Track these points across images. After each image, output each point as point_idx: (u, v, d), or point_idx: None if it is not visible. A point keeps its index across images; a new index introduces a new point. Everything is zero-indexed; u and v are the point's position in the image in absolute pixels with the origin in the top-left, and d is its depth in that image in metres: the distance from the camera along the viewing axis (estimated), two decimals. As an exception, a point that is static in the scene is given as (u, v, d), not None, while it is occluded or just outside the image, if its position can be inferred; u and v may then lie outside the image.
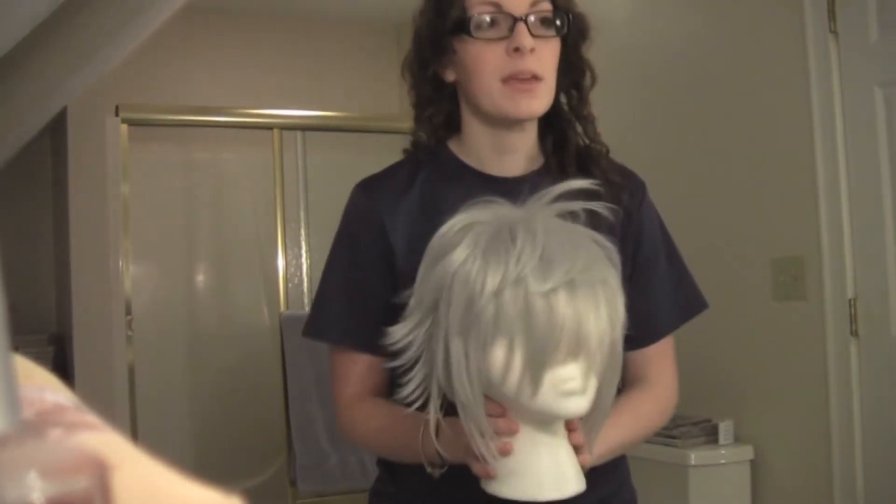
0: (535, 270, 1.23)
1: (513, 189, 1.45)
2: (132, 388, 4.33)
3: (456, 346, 1.26)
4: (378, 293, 1.58)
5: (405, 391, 1.37)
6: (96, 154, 4.45)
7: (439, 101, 1.65)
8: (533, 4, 1.52)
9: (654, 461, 3.23)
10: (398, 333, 1.36)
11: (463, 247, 1.27)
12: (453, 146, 1.68)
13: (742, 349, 3.33)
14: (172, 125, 4.75)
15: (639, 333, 1.57)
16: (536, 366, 1.25)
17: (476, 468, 1.34)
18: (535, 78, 1.52)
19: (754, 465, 3.32)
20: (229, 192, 5.28)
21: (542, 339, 1.23)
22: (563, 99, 1.65)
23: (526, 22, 1.51)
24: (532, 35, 1.51)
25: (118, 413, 4.14)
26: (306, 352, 4.16)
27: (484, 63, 1.54)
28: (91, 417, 0.47)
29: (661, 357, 1.70)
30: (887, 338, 2.93)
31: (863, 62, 2.99)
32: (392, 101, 5.33)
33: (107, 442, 0.44)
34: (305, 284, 5.18)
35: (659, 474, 3.23)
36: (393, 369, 1.46)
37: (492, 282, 1.23)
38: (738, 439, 3.35)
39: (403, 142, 1.74)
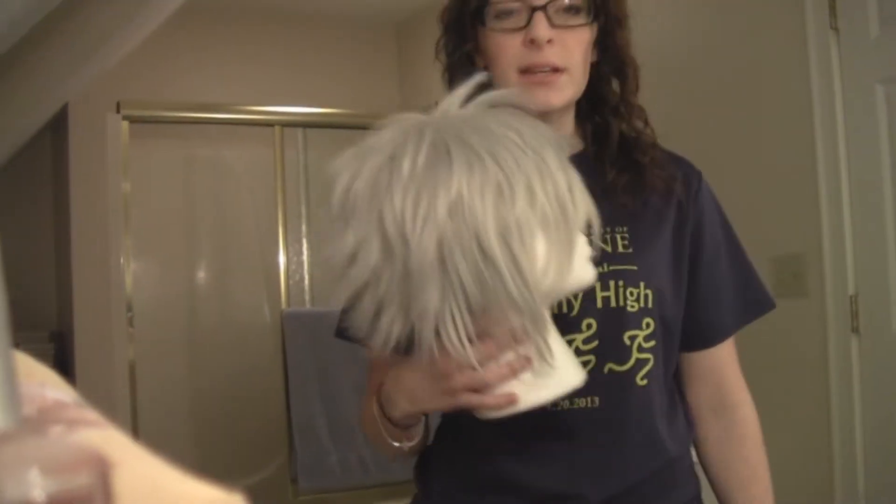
0: (553, 160, 1.21)
1: None
2: (133, 385, 4.33)
3: (499, 250, 1.16)
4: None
5: (380, 344, 1.24)
6: (97, 151, 4.46)
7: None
8: None
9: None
10: (354, 284, 1.23)
11: (459, 162, 1.18)
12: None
13: (742, 346, 3.32)
14: (174, 122, 4.75)
15: (705, 332, 1.55)
16: (569, 244, 1.22)
17: (490, 400, 1.27)
18: (556, 70, 1.46)
19: (755, 461, 3.32)
20: (230, 189, 5.28)
21: (570, 220, 1.21)
22: (614, 85, 1.59)
23: (546, 11, 1.44)
24: (553, 25, 1.44)
25: (119, 410, 4.14)
26: (307, 349, 4.16)
27: (501, 54, 1.48)
28: (92, 414, 0.47)
29: (730, 360, 1.69)
30: (888, 334, 2.93)
31: (863, 58, 2.99)
32: (393, 97, 5.34)
33: (108, 439, 0.45)
34: (306, 281, 5.18)
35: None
36: None
37: (519, 185, 1.17)
38: (738, 436, 3.35)
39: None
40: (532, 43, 1.44)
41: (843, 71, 3.04)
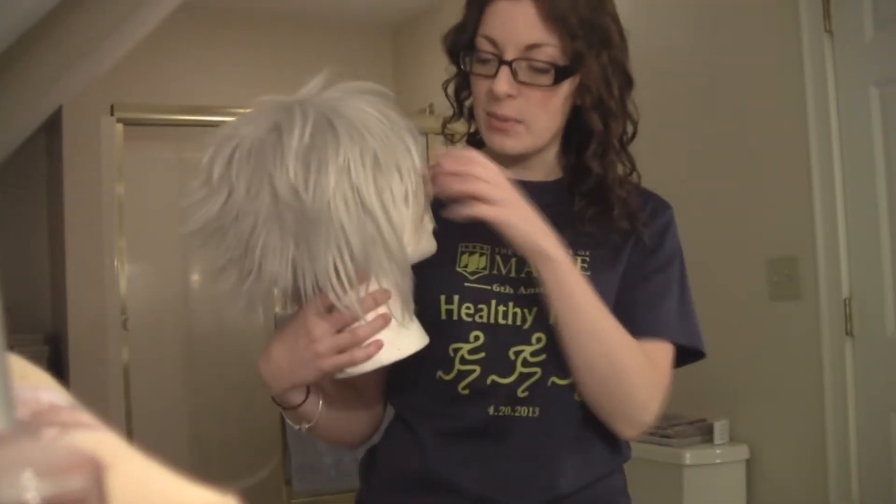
0: (403, 139, 1.36)
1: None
2: (127, 388, 4.32)
3: (377, 205, 1.29)
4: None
5: (261, 290, 1.36)
6: (91, 153, 4.45)
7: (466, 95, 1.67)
8: (529, 48, 1.48)
9: (649, 461, 3.23)
10: (243, 233, 1.33)
11: (344, 137, 1.30)
12: (486, 150, 1.62)
13: (737, 349, 3.33)
14: (167, 125, 4.74)
15: (638, 323, 1.54)
16: (423, 212, 1.38)
17: (359, 355, 1.36)
18: (516, 121, 1.51)
19: (749, 464, 3.32)
20: (224, 192, 5.27)
21: (421, 191, 1.36)
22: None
23: (512, 67, 1.48)
24: (518, 80, 1.48)
25: (113, 412, 4.14)
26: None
27: (475, 93, 1.56)
28: (86, 417, 0.47)
29: (654, 354, 1.61)
30: (882, 337, 2.93)
31: (858, 61, 2.99)
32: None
33: (102, 441, 0.44)
34: (301, 284, 5.17)
35: (654, 474, 3.24)
36: None
37: (389, 158, 1.32)
38: (733, 439, 3.36)
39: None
40: (492, 93, 1.50)
41: (837, 73, 3.04)
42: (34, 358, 0.53)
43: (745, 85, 3.34)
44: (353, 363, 1.36)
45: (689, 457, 3.22)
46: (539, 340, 1.49)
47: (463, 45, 1.56)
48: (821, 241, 3.06)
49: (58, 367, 4.46)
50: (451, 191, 1.37)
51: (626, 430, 1.56)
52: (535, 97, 1.50)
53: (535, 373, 1.51)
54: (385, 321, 1.36)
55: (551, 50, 1.48)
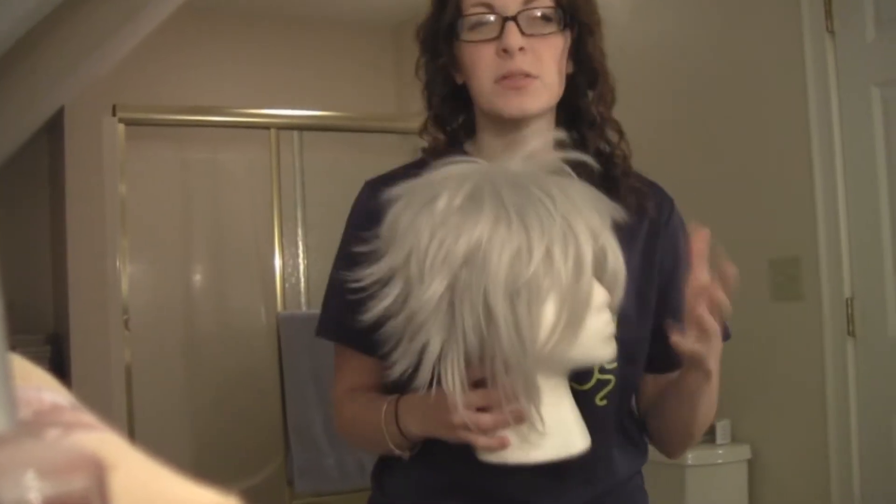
0: (579, 224, 1.24)
1: None
2: (129, 388, 4.32)
3: (503, 311, 1.21)
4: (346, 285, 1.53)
5: (395, 368, 1.31)
6: (93, 154, 4.45)
7: (453, 103, 1.64)
8: (527, 1, 1.50)
9: (652, 461, 3.21)
10: (377, 309, 1.30)
11: (487, 214, 1.22)
12: (469, 147, 1.65)
13: (739, 349, 3.31)
14: (169, 125, 4.74)
15: (671, 357, 1.56)
16: (580, 320, 1.26)
17: (482, 441, 1.32)
18: (529, 76, 1.50)
19: (751, 464, 3.32)
20: (226, 192, 5.27)
21: (585, 292, 1.25)
22: (590, 97, 1.62)
23: (517, 21, 1.48)
24: (524, 34, 1.48)
25: (115, 413, 4.14)
26: (303, 352, 4.16)
27: (476, 65, 1.52)
28: (88, 417, 0.47)
29: None
30: (884, 337, 2.93)
31: (859, 61, 2.99)
32: (389, 100, 5.33)
33: (104, 442, 0.44)
34: (302, 284, 5.17)
35: (656, 474, 3.22)
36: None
37: (538, 248, 1.21)
38: (735, 439, 3.36)
39: (400, 141, 1.74)
40: (504, 52, 1.48)
41: (839, 74, 3.04)
42: (36, 358, 0.53)
43: (746, 85, 3.34)
44: (476, 446, 1.34)
45: (691, 457, 3.22)
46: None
47: (447, 22, 1.54)
48: (823, 241, 3.06)
49: (60, 367, 4.46)
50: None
51: (678, 453, 1.71)
52: (542, 49, 1.51)
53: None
54: (508, 420, 1.30)
55: (548, 0, 1.51)
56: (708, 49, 3.51)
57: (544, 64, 1.51)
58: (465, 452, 1.49)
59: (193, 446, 5.02)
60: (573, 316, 1.25)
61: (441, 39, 1.56)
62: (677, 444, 1.68)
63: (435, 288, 1.22)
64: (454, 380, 1.26)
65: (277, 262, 4.69)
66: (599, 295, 1.29)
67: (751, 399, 3.34)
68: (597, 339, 1.30)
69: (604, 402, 1.53)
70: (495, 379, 1.27)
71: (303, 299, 5.13)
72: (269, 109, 4.78)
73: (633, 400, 1.65)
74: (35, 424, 0.44)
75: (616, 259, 1.30)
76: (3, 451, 0.36)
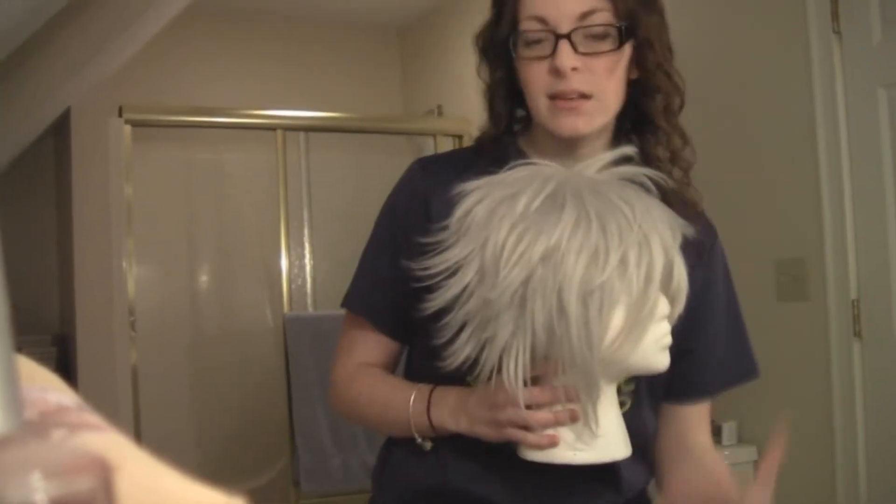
0: (653, 237, 1.28)
1: None
2: (135, 389, 4.33)
3: (575, 309, 1.24)
4: (403, 281, 1.48)
5: (455, 357, 1.32)
6: (99, 155, 4.45)
7: (512, 101, 1.59)
8: (583, 17, 1.43)
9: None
10: (445, 297, 1.33)
11: (568, 216, 1.26)
12: (523, 142, 1.61)
13: (745, 350, 3.32)
14: (175, 126, 4.75)
15: (688, 389, 1.56)
16: (644, 327, 1.29)
17: (531, 439, 1.34)
18: (584, 96, 1.45)
19: (757, 465, 3.31)
20: (232, 193, 5.28)
21: (652, 301, 1.28)
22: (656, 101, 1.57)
23: (571, 39, 1.43)
24: (579, 52, 1.43)
25: (121, 414, 4.14)
26: (310, 353, 4.16)
27: (530, 81, 1.48)
28: (94, 418, 0.47)
29: (703, 417, 1.66)
30: (890, 339, 2.92)
31: (866, 63, 2.99)
32: (394, 102, 5.34)
33: (110, 442, 0.45)
34: (309, 285, 5.18)
35: (662, 475, 3.23)
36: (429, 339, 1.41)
37: (615, 254, 1.25)
38: (741, 440, 3.35)
39: (406, 142, 1.73)
40: (556, 72, 1.44)
41: (845, 75, 3.04)
42: (42, 359, 0.53)
43: (753, 86, 3.33)
44: (525, 444, 1.35)
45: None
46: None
47: (504, 35, 1.49)
48: (829, 242, 3.06)
49: (66, 368, 4.47)
50: None
51: None
52: (599, 67, 1.45)
53: None
54: (567, 418, 1.33)
55: (605, 14, 1.45)
56: (714, 50, 3.50)
57: (599, 82, 1.46)
58: (469, 455, 1.50)
59: (199, 447, 5.02)
60: (639, 322, 1.28)
61: (499, 52, 1.52)
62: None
63: (511, 281, 1.25)
64: (517, 374, 1.28)
65: (284, 263, 4.69)
66: (663, 306, 1.33)
67: (757, 400, 3.34)
68: (656, 348, 1.33)
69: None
70: (557, 376, 1.30)
71: (309, 300, 5.13)
72: (275, 110, 4.79)
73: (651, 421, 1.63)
74: (41, 425, 0.44)
75: (681, 274, 1.34)
76: (9, 451, 0.36)
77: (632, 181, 1.37)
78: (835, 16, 3.04)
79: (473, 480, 1.51)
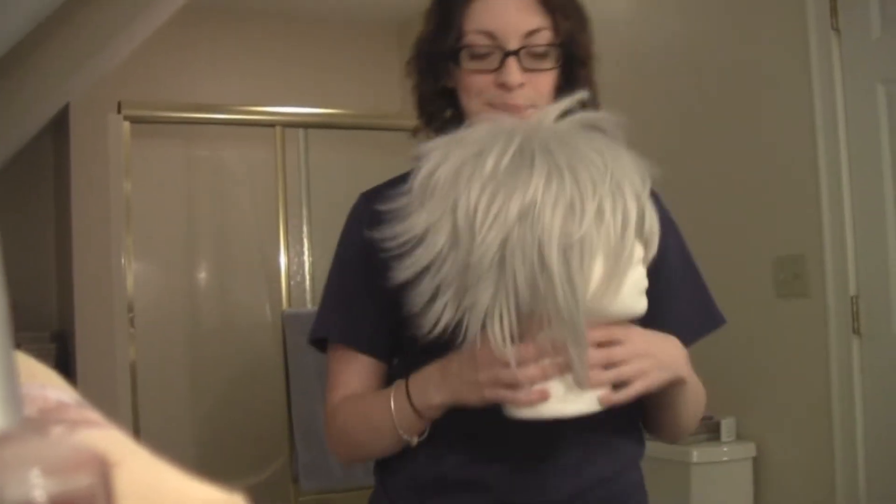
0: (623, 189, 1.28)
1: None
2: (134, 386, 4.32)
3: (558, 266, 1.24)
4: (375, 294, 1.56)
5: (437, 325, 1.31)
6: (99, 151, 4.45)
7: (442, 105, 1.65)
8: (529, 35, 1.51)
9: (656, 458, 3.22)
10: (416, 265, 1.32)
11: (540, 171, 1.26)
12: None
13: (744, 346, 3.33)
14: (175, 122, 4.75)
15: (693, 323, 1.57)
16: (623, 273, 1.30)
17: (520, 396, 1.33)
18: (528, 109, 1.51)
19: (756, 462, 3.32)
20: (231, 190, 5.28)
21: (629, 248, 1.29)
22: None
23: (518, 55, 1.50)
24: (524, 69, 1.50)
25: (120, 410, 4.14)
26: (309, 349, 4.11)
27: (473, 89, 1.54)
28: (93, 415, 0.47)
29: None
30: (889, 335, 2.93)
31: (865, 59, 2.99)
32: (394, 98, 5.33)
33: (109, 439, 0.45)
34: (308, 282, 5.18)
35: (661, 471, 3.23)
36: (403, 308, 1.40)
37: (591, 204, 1.25)
38: (740, 436, 3.36)
39: (406, 138, 1.73)
40: (504, 86, 1.50)
41: (844, 72, 3.04)
42: (41, 356, 0.53)
43: (752, 83, 3.33)
44: (514, 402, 1.35)
45: (696, 454, 3.22)
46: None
47: (448, 45, 1.55)
48: (828, 238, 3.06)
49: (65, 365, 4.47)
50: (601, 382, 1.34)
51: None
52: (541, 82, 1.53)
53: None
54: (557, 371, 1.32)
55: (548, 33, 1.52)
56: (713, 47, 3.50)
57: (541, 97, 1.53)
58: (463, 443, 1.52)
59: (198, 444, 5.02)
60: (618, 270, 1.29)
61: (442, 63, 1.58)
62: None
63: (489, 243, 1.25)
64: (504, 334, 1.28)
65: (282, 260, 4.69)
66: (638, 250, 1.34)
67: (756, 397, 3.34)
68: (634, 292, 1.34)
69: None
70: (541, 331, 1.29)
71: (308, 297, 5.13)
72: (274, 107, 4.78)
73: None
74: (40, 422, 0.44)
75: (652, 218, 1.35)
76: (8, 448, 0.36)
77: (594, 127, 1.39)
78: (834, 12, 3.04)
79: (468, 467, 1.52)
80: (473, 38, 1.52)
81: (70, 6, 3.15)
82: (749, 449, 3.31)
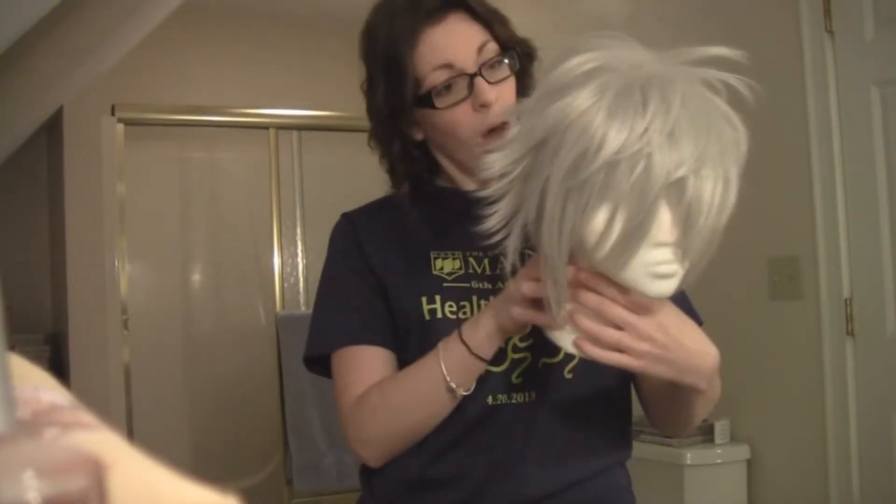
0: (661, 147, 1.17)
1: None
2: (128, 388, 4.33)
3: (554, 200, 1.20)
4: (375, 296, 1.57)
5: (488, 223, 1.28)
6: (92, 153, 4.45)
7: (412, 157, 1.63)
8: (479, 51, 1.51)
9: (650, 461, 3.23)
10: (496, 161, 1.28)
11: (588, 93, 1.18)
12: (441, 181, 1.68)
13: (738, 348, 3.33)
14: (168, 125, 4.75)
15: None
16: (633, 244, 1.21)
17: (539, 318, 1.33)
18: (506, 123, 1.47)
19: (750, 464, 3.32)
20: (225, 192, 5.28)
21: (646, 219, 1.20)
22: None
23: (482, 74, 1.50)
24: (492, 84, 1.50)
25: (114, 412, 4.14)
26: (302, 351, 4.15)
27: (458, 124, 1.52)
28: (87, 417, 0.47)
29: None
30: (883, 337, 2.93)
31: (859, 61, 2.99)
32: (388, 100, 5.32)
33: (103, 441, 0.44)
34: (301, 284, 5.18)
35: (655, 474, 3.24)
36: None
37: (610, 147, 1.15)
38: (734, 439, 3.36)
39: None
40: (482, 106, 1.49)
41: (838, 73, 3.04)
42: (35, 358, 0.53)
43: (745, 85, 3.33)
44: (535, 320, 1.34)
45: (689, 457, 3.22)
46: (525, 325, 1.44)
47: (412, 95, 1.53)
48: (822, 240, 3.06)
49: (58, 367, 4.46)
50: (594, 353, 1.31)
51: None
52: (507, 91, 1.53)
53: (525, 358, 1.53)
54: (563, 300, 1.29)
55: (492, 44, 1.53)
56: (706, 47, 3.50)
57: (511, 105, 1.52)
58: (450, 445, 1.53)
59: (192, 446, 5.02)
60: (629, 234, 1.20)
61: (409, 111, 1.56)
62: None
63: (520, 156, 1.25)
64: (513, 250, 1.28)
65: (276, 262, 4.69)
66: (664, 229, 1.24)
67: (749, 399, 3.34)
68: (645, 272, 1.25)
69: (570, 377, 1.54)
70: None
71: (301, 299, 5.13)
72: (267, 109, 4.79)
73: (613, 386, 1.63)
74: (34, 424, 0.44)
75: (699, 191, 1.27)
76: (2, 450, 0.36)
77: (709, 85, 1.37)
78: (827, 14, 3.05)
79: (451, 464, 1.53)
80: (434, 77, 1.51)
81: (63, 9, 3.14)
82: (743, 451, 3.32)
